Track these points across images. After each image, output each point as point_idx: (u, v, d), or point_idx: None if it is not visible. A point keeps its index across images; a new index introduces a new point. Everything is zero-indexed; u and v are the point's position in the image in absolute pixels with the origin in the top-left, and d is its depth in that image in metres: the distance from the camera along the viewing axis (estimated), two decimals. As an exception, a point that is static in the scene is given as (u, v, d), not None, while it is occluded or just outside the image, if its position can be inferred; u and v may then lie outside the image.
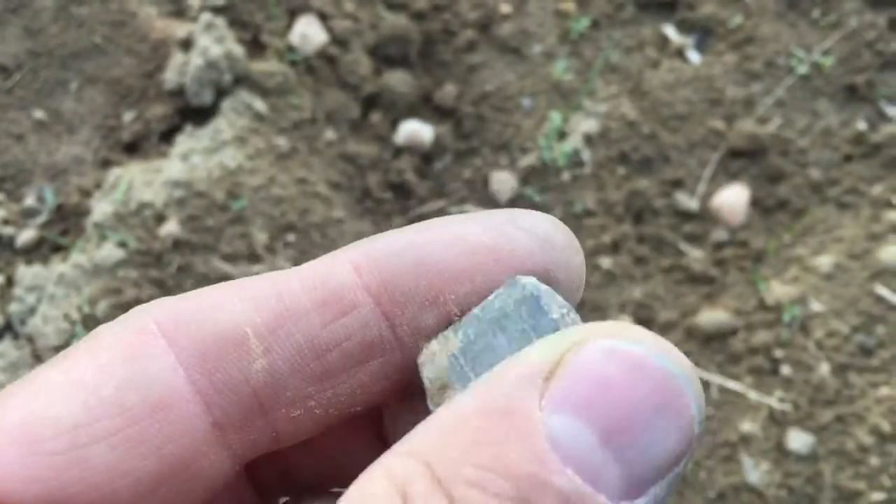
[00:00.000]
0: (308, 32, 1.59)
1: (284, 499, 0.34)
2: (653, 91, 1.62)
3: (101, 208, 1.45)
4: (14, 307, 1.40)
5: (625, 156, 1.58)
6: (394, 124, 1.60)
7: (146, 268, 1.41)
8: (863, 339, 1.39)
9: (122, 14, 1.63)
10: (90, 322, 1.37)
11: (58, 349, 1.36)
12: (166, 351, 0.28)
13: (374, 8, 1.66)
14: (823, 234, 1.51)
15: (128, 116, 1.58)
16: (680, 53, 1.68)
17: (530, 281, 0.28)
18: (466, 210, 1.56)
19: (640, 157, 1.58)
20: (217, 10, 1.58)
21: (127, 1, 1.64)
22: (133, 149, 1.56)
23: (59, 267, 1.41)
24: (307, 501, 0.34)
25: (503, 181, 1.57)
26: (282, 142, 1.51)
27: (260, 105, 1.52)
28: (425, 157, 1.59)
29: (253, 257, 1.43)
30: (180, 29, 1.59)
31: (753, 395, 1.39)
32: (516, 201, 1.56)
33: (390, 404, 0.32)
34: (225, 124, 1.50)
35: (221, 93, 1.52)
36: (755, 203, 1.55)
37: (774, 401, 1.38)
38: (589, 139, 1.59)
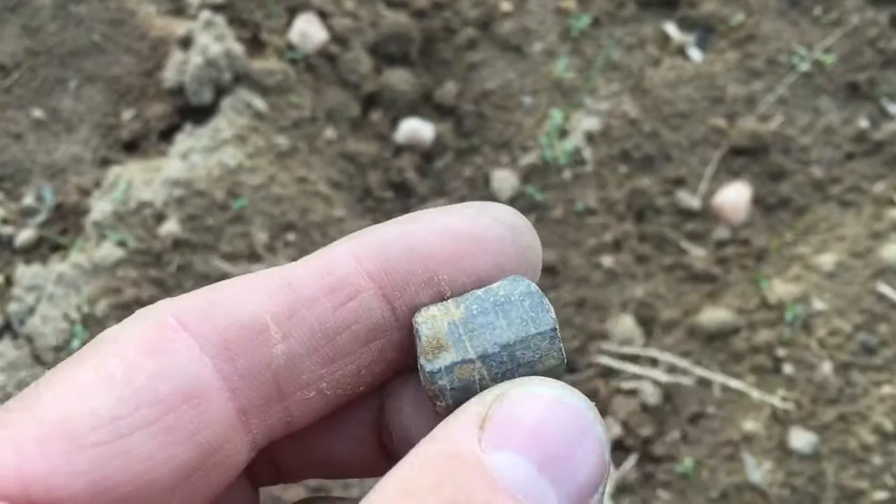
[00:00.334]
0: (308, 30, 1.58)
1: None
2: (654, 89, 1.61)
3: (101, 207, 1.44)
4: (13, 307, 1.39)
5: (626, 154, 1.58)
6: (394, 123, 1.60)
7: (146, 267, 1.41)
8: (865, 337, 1.39)
9: (121, 12, 1.62)
10: (89, 322, 1.36)
11: (57, 349, 1.35)
12: (189, 342, 0.29)
13: (375, 6, 1.66)
14: (825, 232, 1.51)
15: (127, 115, 1.57)
16: (681, 51, 1.67)
17: (531, 282, 0.32)
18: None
19: (641, 155, 1.58)
20: (216, 8, 1.58)
21: (126, -1, 1.63)
22: (132, 148, 1.56)
23: (58, 266, 1.40)
24: None
25: (504, 179, 1.56)
26: (282, 140, 1.51)
27: (260, 103, 1.52)
28: (426, 155, 1.59)
29: (253, 256, 1.42)
30: (179, 27, 1.58)
31: (756, 394, 1.38)
32: (517, 200, 1.55)
33: (388, 389, 0.35)
34: (225, 123, 1.49)
35: (221, 91, 1.52)
36: (757, 201, 1.55)
37: (777, 400, 1.37)
38: (590, 137, 1.58)
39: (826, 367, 1.38)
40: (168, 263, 1.41)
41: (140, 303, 1.36)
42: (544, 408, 0.28)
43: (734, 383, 1.40)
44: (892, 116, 1.60)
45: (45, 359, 1.35)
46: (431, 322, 0.31)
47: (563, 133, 1.59)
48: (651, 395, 1.40)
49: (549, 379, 0.29)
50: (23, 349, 1.36)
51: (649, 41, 1.68)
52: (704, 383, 1.41)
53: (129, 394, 0.28)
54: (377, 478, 0.27)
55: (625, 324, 1.46)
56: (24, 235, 1.47)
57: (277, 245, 1.44)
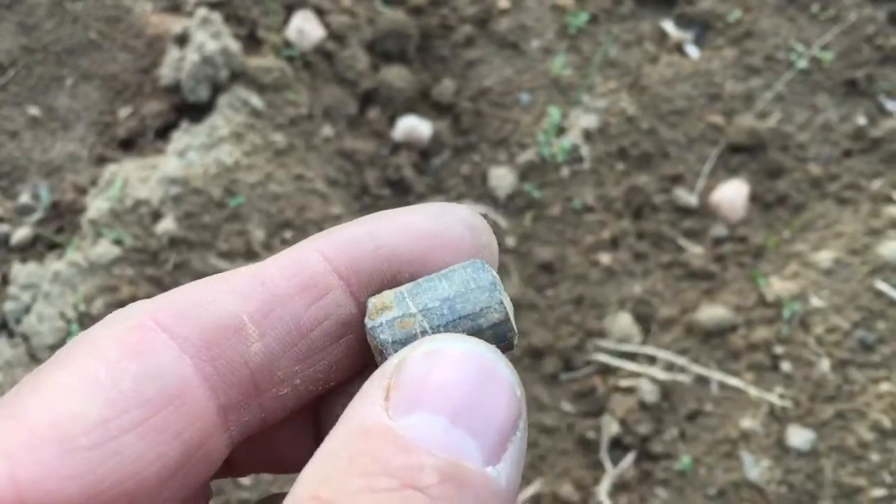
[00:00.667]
0: (305, 28, 1.58)
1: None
2: (652, 86, 1.61)
3: (97, 205, 1.44)
4: (9, 305, 1.39)
5: (624, 151, 1.57)
6: (392, 120, 1.59)
7: (142, 265, 1.40)
8: (863, 334, 1.39)
9: (117, 9, 1.62)
10: (86, 320, 1.36)
11: (53, 347, 1.35)
12: (169, 343, 0.30)
13: (372, 3, 1.65)
14: (823, 229, 1.51)
15: (123, 113, 1.57)
16: (679, 48, 1.67)
17: (477, 259, 0.34)
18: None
19: (639, 152, 1.57)
20: (213, 6, 1.57)
21: (122, -4, 1.62)
22: (129, 145, 1.55)
23: (54, 265, 1.40)
24: None
25: (501, 177, 1.56)
26: (279, 138, 1.51)
27: (256, 101, 1.51)
28: (423, 153, 1.59)
29: (250, 254, 1.42)
30: (176, 24, 1.58)
31: (753, 392, 1.38)
32: (515, 197, 1.55)
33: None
34: (221, 120, 1.49)
35: (217, 89, 1.51)
36: (754, 198, 1.55)
37: (775, 397, 1.37)
38: (588, 135, 1.58)
39: (824, 365, 1.38)
40: (165, 261, 1.41)
41: (137, 301, 1.35)
42: (446, 363, 0.28)
43: (732, 381, 1.40)
44: (889, 113, 1.60)
45: (41, 357, 1.34)
46: (380, 295, 0.33)
47: (560, 130, 1.59)
48: (649, 392, 1.40)
49: (449, 334, 0.30)
50: (19, 348, 1.36)
51: (647, 38, 1.68)
52: (702, 381, 1.41)
53: (115, 396, 0.28)
54: None
55: (622, 321, 1.46)
56: (21, 233, 1.47)
57: (274, 243, 1.44)
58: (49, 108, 1.58)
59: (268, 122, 1.52)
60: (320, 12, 1.61)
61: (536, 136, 1.58)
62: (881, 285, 1.42)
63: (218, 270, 1.40)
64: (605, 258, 1.50)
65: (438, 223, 0.34)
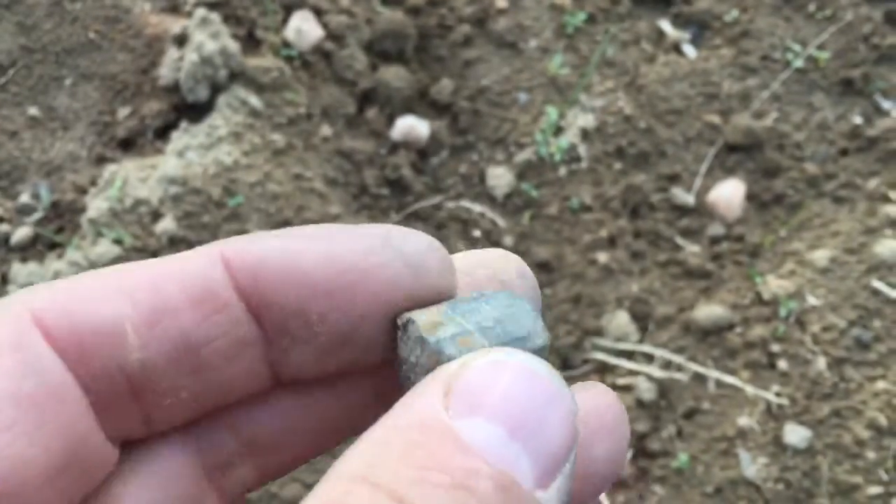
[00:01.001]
0: (303, 28, 1.58)
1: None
2: (649, 85, 1.62)
3: (97, 205, 1.44)
4: (10, 305, 1.39)
5: (621, 151, 1.58)
6: (390, 120, 1.60)
7: (142, 265, 1.41)
8: (859, 333, 1.39)
9: (116, 9, 1.62)
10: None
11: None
12: (42, 339, 0.28)
13: (370, 3, 1.66)
14: (819, 228, 1.51)
15: (122, 113, 1.57)
16: (676, 48, 1.68)
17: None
18: (463, 206, 1.56)
19: (636, 151, 1.58)
20: (211, 6, 1.58)
21: (121, -4, 1.63)
22: (128, 145, 1.56)
23: (54, 264, 1.41)
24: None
25: (499, 176, 1.56)
26: (277, 138, 1.51)
27: (255, 101, 1.52)
28: (421, 152, 1.59)
29: (249, 254, 1.43)
30: (175, 24, 1.58)
31: (750, 390, 1.39)
32: (513, 196, 1.56)
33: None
34: (220, 120, 1.49)
35: (217, 89, 1.52)
36: (751, 197, 1.56)
37: (771, 395, 1.38)
38: (585, 134, 1.59)
39: (820, 363, 1.39)
40: (164, 261, 1.41)
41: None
42: (512, 375, 0.27)
43: (729, 379, 1.41)
44: (885, 112, 1.61)
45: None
46: (419, 313, 0.30)
47: (558, 130, 1.59)
48: (646, 390, 1.40)
49: (512, 349, 0.28)
50: (19, 347, 1.36)
51: (644, 38, 1.68)
52: (699, 379, 1.42)
53: None
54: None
55: (620, 320, 1.46)
56: (21, 233, 1.47)
57: (273, 242, 1.44)
58: (49, 108, 1.58)
59: (266, 122, 1.52)
60: (319, 12, 1.62)
61: (534, 136, 1.59)
62: (877, 284, 1.42)
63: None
64: (602, 257, 1.51)
65: (372, 257, 0.29)
